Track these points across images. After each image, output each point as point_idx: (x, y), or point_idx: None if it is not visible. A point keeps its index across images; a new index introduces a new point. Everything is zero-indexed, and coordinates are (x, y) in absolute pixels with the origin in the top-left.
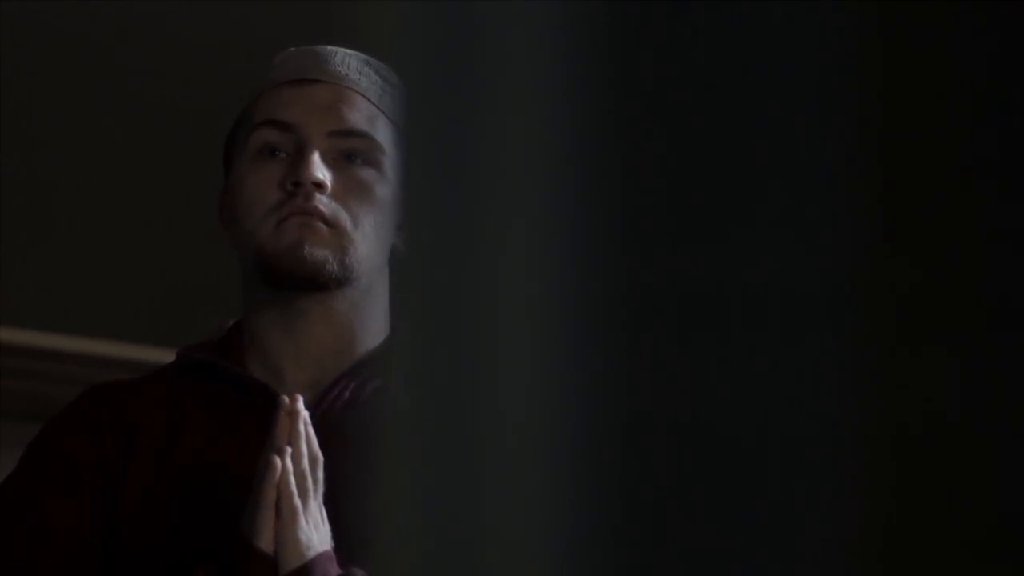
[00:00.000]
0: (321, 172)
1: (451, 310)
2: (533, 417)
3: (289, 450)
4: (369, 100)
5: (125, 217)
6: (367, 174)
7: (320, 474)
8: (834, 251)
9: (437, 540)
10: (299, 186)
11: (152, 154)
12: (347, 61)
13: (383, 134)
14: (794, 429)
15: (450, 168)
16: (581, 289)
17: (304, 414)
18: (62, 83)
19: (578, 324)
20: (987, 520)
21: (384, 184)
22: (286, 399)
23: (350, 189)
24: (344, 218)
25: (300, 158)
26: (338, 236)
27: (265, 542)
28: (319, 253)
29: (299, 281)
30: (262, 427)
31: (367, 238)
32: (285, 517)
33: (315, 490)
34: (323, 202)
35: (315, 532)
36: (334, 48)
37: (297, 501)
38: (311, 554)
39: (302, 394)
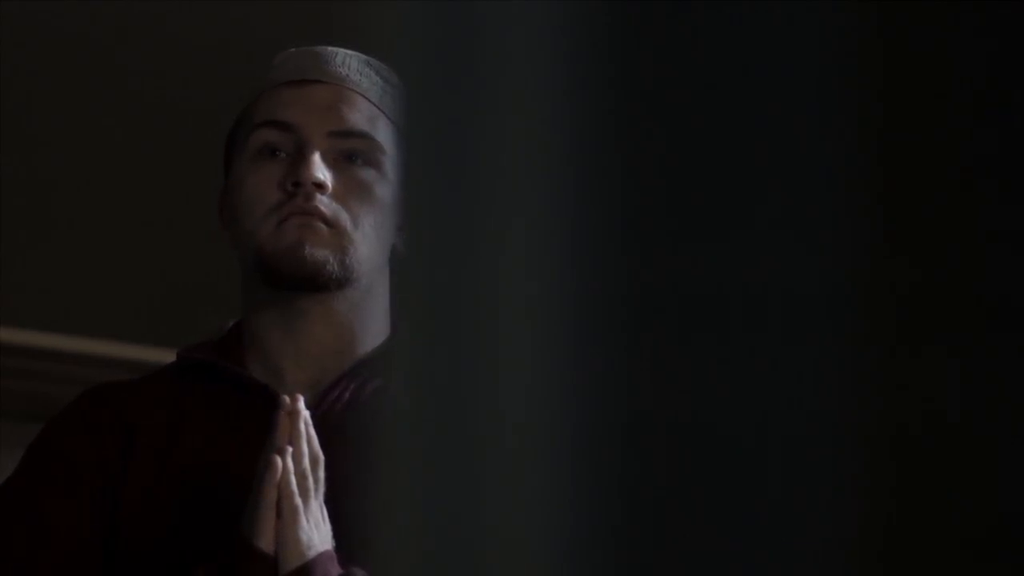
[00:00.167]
0: (321, 172)
1: (451, 310)
2: (533, 417)
3: (290, 450)
4: (369, 100)
5: (125, 217)
6: (367, 174)
7: (321, 474)
8: (834, 251)
9: (437, 540)
10: (299, 186)
11: (152, 154)
12: (347, 62)
13: (383, 134)
14: (794, 429)
15: (450, 168)
16: (581, 289)
17: (305, 414)
18: (62, 83)
19: (578, 324)
20: (987, 520)
21: (384, 184)
22: (287, 399)
23: (350, 189)
24: (344, 218)
25: (300, 158)
26: (338, 236)
27: (265, 542)
28: (319, 253)
29: (299, 281)
30: (262, 427)
31: (367, 238)
32: (286, 517)
33: (316, 490)
34: (323, 202)
35: (316, 532)
36: (334, 49)
37: (298, 501)
38: (312, 554)
39: (302, 394)
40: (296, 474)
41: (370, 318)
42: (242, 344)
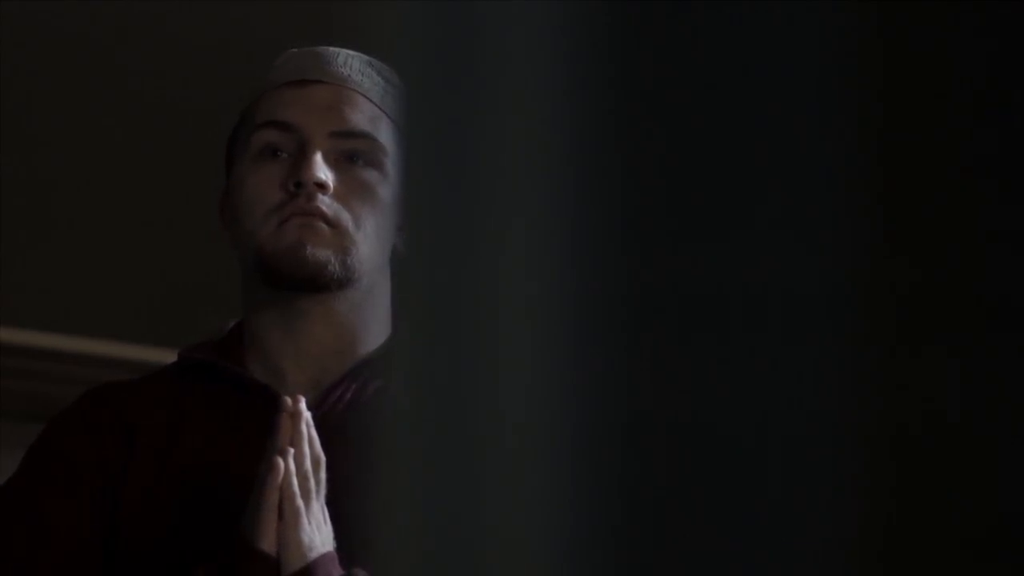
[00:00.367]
0: (323, 172)
1: (451, 310)
2: (533, 417)
3: (291, 451)
4: (371, 101)
5: (125, 217)
6: (369, 175)
7: (323, 475)
8: (834, 251)
9: (437, 540)
10: (301, 186)
11: (152, 154)
12: (349, 62)
13: (385, 135)
14: (794, 429)
15: (450, 168)
16: (581, 289)
17: (306, 415)
18: (62, 83)
19: (578, 324)
20: (987, 520)
21: (386, 185)
22: (288, 401)
23: (352, 190)
24: (346, 219)
25: (302, 158)
26: (340, 237)
27: (267, 544)
28: (321, 254)
29: (300, 282)
30: (262, 427)
31: (369, 239)
32: (287, 519)
33: (317, 491)
34: (325, 202)
35: (317, 533)
36: (336, 49)
37: (299, 502)
38: (313, 555)
39: (303, 395)
40: (298, 476)
41: (371, 318)
42: (243, 344)
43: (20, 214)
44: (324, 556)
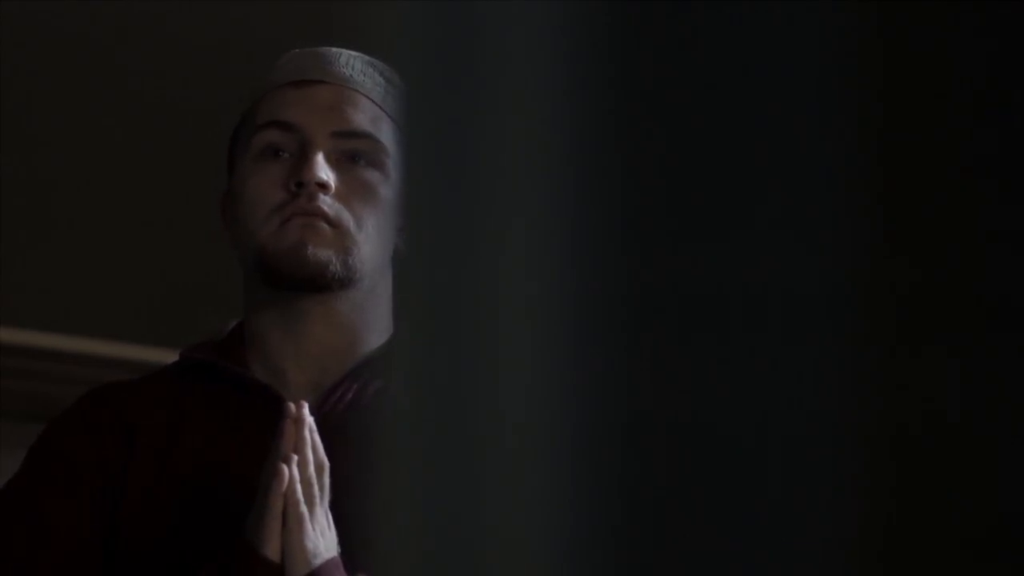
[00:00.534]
0: (324, 172)
1: (451, 310)
2: (533, 417)
3: (295, 457)
4: (373, 101)
5: (125, 217)
6: (371, 175)
7: (326, 481)
8: (834, 251)
9: (437, 540)
10: (302, 186)
11: (152, 154)
12: (351, 62)
13: (387, 135)
14: (794, 429)
15: (450, 168)
16: (581, 289)
17: (309, 420)
18: (62, 83)
19: (578, 324)
20: (987, 520)
21: (387, 185)
22: (292, 406)
23: (353, 190)
24: (347, 218)
25: (303, 158)
26: (341, 237)
27: (271, 550)
28: (322, 253)
29: (301, 282)
30: (262, 427)
31: (370, 239)
32: (291, 525)
33: (321, 497)
34: (326, 202)
35: (321, 539)
36: (338, 50)
37: (303, 509)
38: (318, 561)
39: (304, 396)
40: (302, 481)
41: (372, 319)
42: (243, 345)
43: (20, 214)
44: (329, 562)
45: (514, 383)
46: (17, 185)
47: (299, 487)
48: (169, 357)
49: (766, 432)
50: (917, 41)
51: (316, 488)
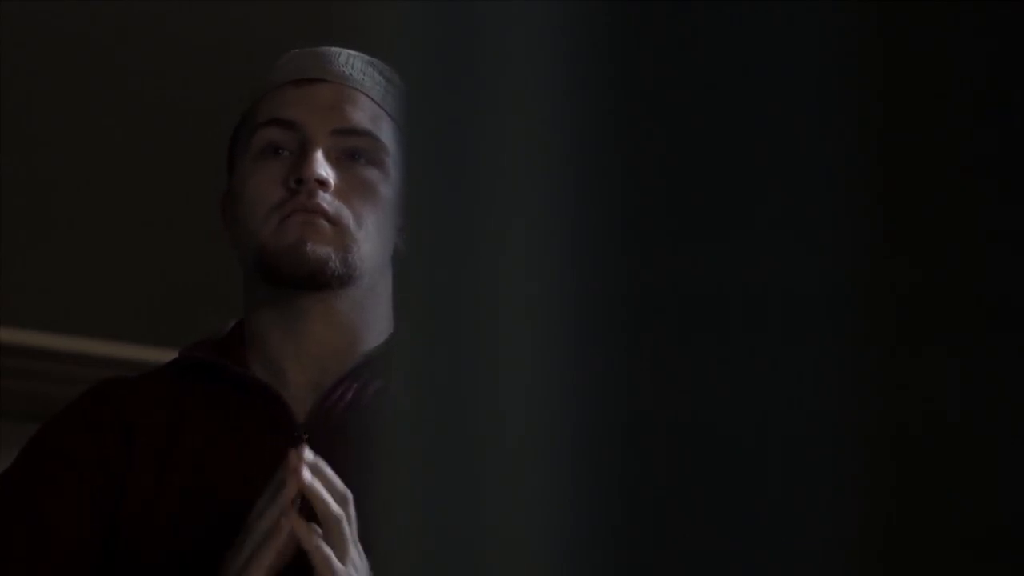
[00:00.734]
0: (324, 170)
1: (451, 310)
2: (533, 417)
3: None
4: (373, 100)
5: (125, 217)
6: (370, 173)
7: (352, 511)
8: (834, 251)
9: (437, 540)
10: (302, 184)
11: (152, 154)
12: (351, 61)
13: (387, 134)
14: (794, 429)
15: (450, 168)
16: (581, 289)
17: (313, 460)
18: (62, 83)
19: (578, 324)
20: (987, 520)
21: (387, 183)
22: (292, 458)
23: (353, 188)
24: (347, 216)
25: (303, 156)
26: (341, 234)
27: None
28: (321, 251)
29: (301, 279)
30: (262, 427)
31: (370, 237)
32: (319, 569)
33: (351, 530)
34: (326, 200)
35: (355, 572)
36: (338, 49)
37: (326, 550)
38: None
39: (303, 395)
40: (324, 522)
41: (372, 318)
42: (243, 344)
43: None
44: None
45: (514, 383)
46: (17, 185)
47: (315, 537)
48: (169, 357)
49: (766, 432)
50: (917, 41)
51: (344, 524)
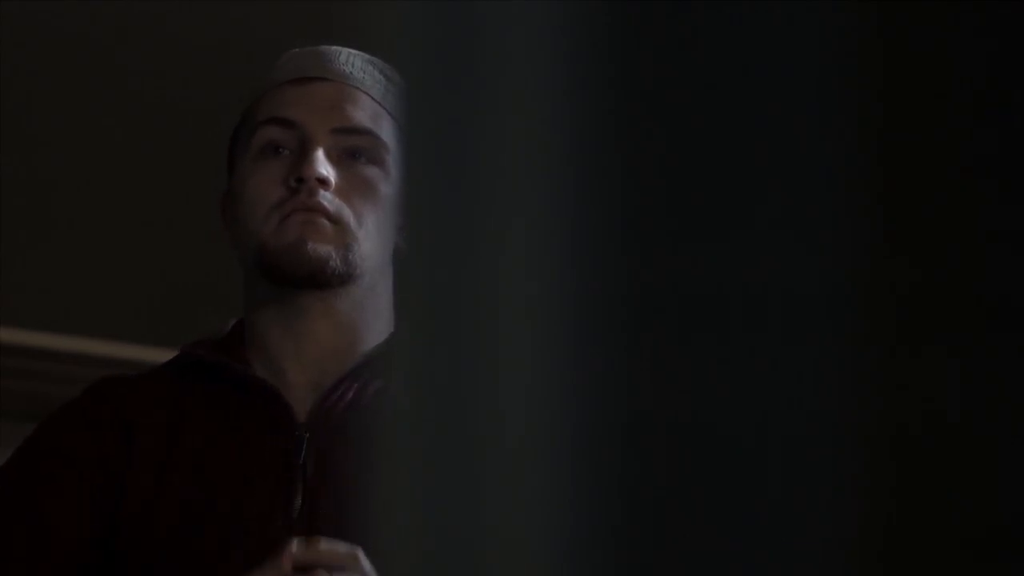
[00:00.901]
0: (324, 168)
1: (451, 310)
2: (533, 417)
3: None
4: (373, 98)
5: (125, 217)
6: (371, 172)
7: (364, 563)
8: (834, 251)
9: (437, 540)
10: (302, 182)
11: (152, 154)
12: (351, 60)
13: (387, 132)
14: (794, 429)
15: (450, 168)
16: (581, 289)
17: (303, 555)
18: (62, 83)
19: (578, 324)
20: (987, 520)
21: (388, 182)
22: (284, 562)
23: (354, 186)
24: (347, 215)
25: (303, 155)
26: (341, 233)
27: None
28: (322, 249)
29: (301, 278)
30: (262, 427)
31: (370, 235)
32: None
33: None
34: (326, 199)
35: None
36: (338, 47)
37: None
38: None
39: (303, 395)
40: None
41: (373, 317)
42: (243, 343)
43: (20, 214)
44: None
45: (514, 383)
46: (17, 185)
47: None
48: (169, 357)
49: (766, 432)
50: (917, 41)
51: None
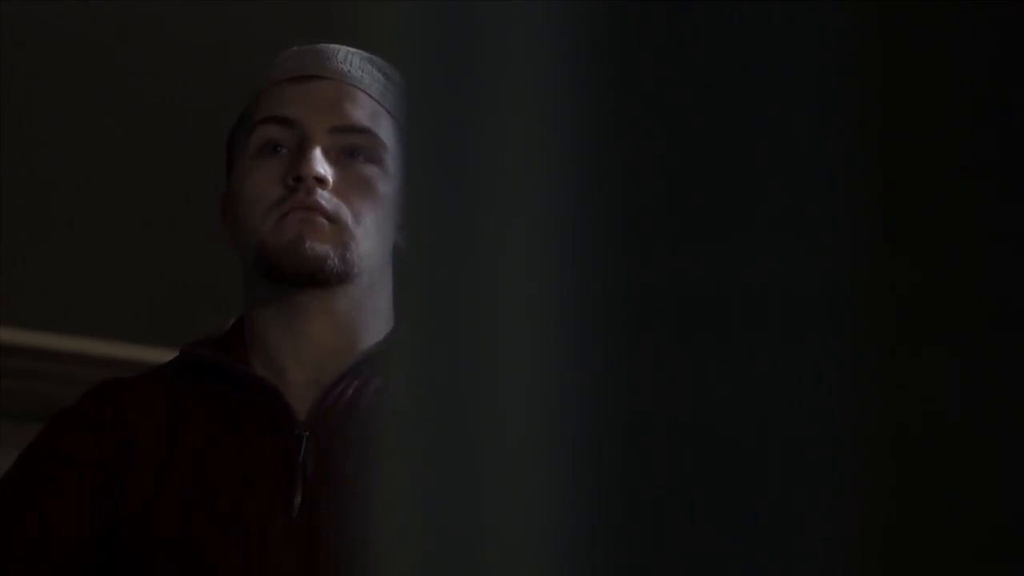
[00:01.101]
0: (322, 167)
1: (451, 310)
2: (533, 417)
3: None
4: (371, 97)
5: (125, 217)
6: (369, 170)
7: None
8: (834, 251)
9: (437, 540)
10: (300, 181)
11: (152, 154)
12: (349, 58)
13: (385, 131)
14: (794, 429)
15: (450, 168)
16: (581, 289)
17: None
18: (62, 83)
19: (578, 324)
20: (987, 520)
21: (386, 181)
22: None
23: (352, 185)
24: (345, 214)
25: (301, 154)
26: (339, 232)
27: None
28: (320, 248)
29: (300, 277)
30: (262, 427)
31: (369, 234)
32: None
33: None
34: (324, 197)
35: None
36: (336, 46)
37: None
38: None
39: (303, 393)
40: None
41: (372, 315)
42: (243, 342)
43: (20, 214)
44: None
45: (514, 383)
46: (17, 185)
47: None
48: (169, 357)
49: (766, 432)
50: (917, 41)
51: None
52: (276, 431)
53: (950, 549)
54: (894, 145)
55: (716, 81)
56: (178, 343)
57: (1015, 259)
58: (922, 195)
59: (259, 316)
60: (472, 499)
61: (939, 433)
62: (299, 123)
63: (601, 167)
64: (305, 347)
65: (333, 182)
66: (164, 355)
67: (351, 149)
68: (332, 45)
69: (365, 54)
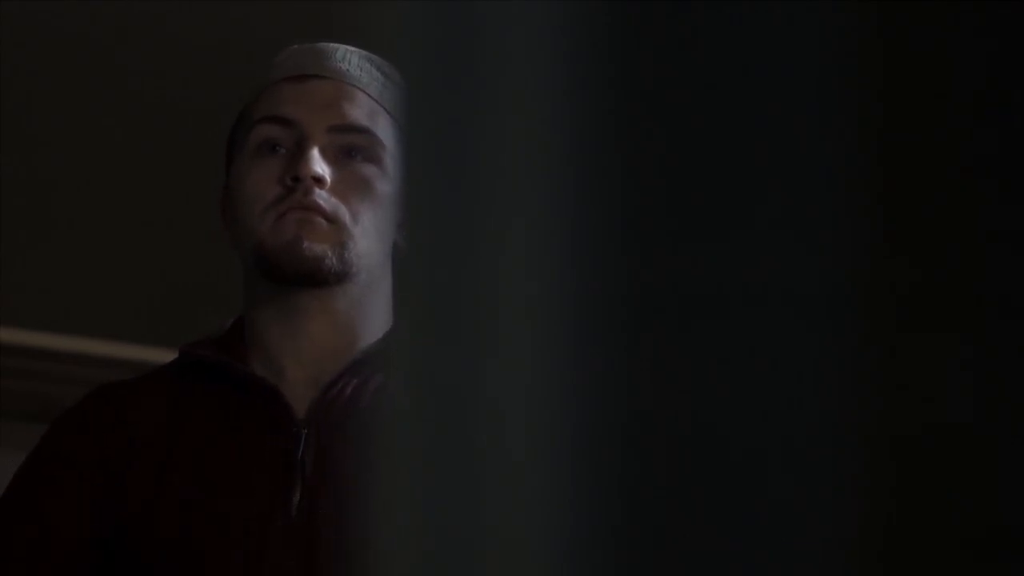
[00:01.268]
0: (320, 167)
1: (451, 310)
2: (533, 417)
3: None
4: (370, 96)
5: (125, 217)
6: (367, 170)
7: None
8: (834, 251)
9: (437, 540)
10: (298, 181)
11: (152, 154)
12: (348, 57)
13: (384, 130)
14: (794, 429)
15: (450, 168)
16: (581, 289)
17: None
18: (62, 83)
19: (578, 324)
20: (987, 520)
21: (385, 180)
22: None
23: (350, 185)
24: (343, 213)
25: (300, 153)
26: (337, 231)
27: None
28: (318, 248)
29: (298, 276)
30: (262, 427)
31: (367, 234)
32: None
33: None
34: (322, 197)
35: None
36: (335, 45)
37: None
38: None
39: (302, 392)
40: None
41: (371, 315)
42: (243, 342)
43: (20, 214)
44: None
45: (514, 383)
46: (17, 185)
47: None
48: (169, 357)
49: (766, 432)
50: (917, 41)
51: None
52: (276, 431)
53: (950, 549)
54: (894, 145)
55: (716, 81)
56: (178, 343)
57: (1015, 259)
58: (922, 195)
59: (258, 316)
60: (472, 499)
61: (939, 433)
62: (297, 122)
63: (601, 167)
64: (304, 346)
65: (331, 182)
66: (164, 355)
67: (349, 148)
68: (331, 44)
69: (364, 53)
